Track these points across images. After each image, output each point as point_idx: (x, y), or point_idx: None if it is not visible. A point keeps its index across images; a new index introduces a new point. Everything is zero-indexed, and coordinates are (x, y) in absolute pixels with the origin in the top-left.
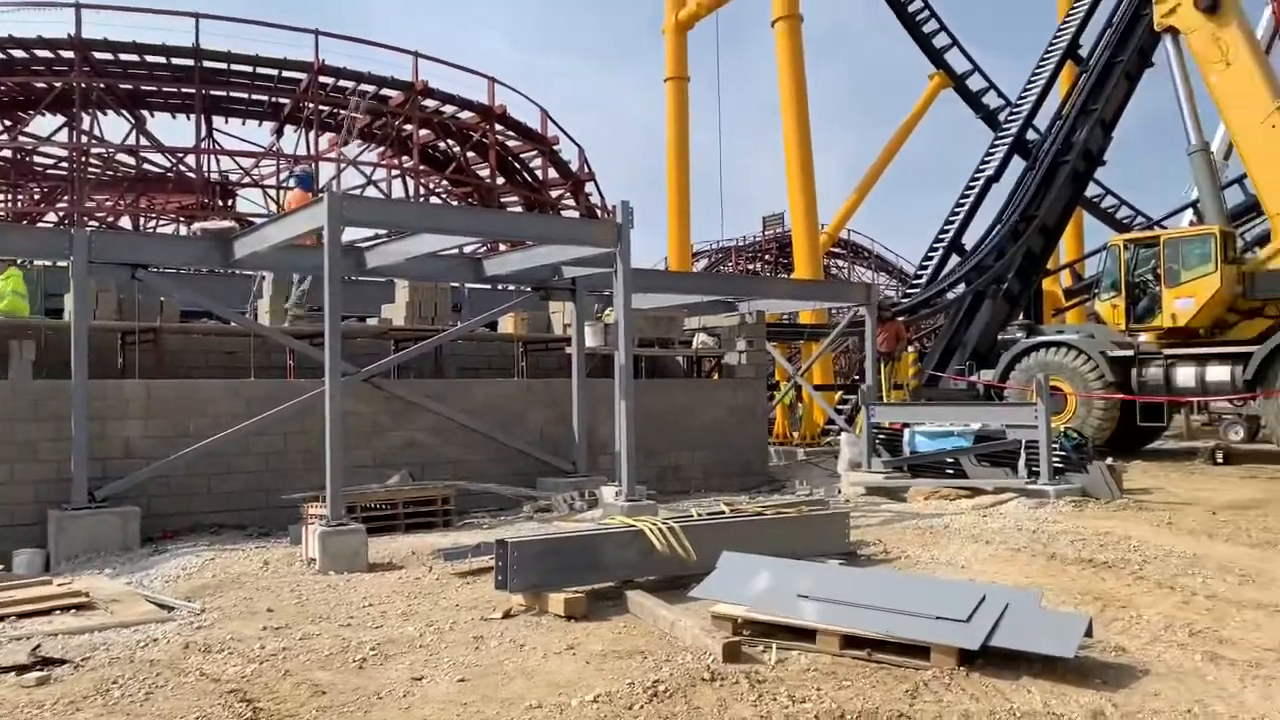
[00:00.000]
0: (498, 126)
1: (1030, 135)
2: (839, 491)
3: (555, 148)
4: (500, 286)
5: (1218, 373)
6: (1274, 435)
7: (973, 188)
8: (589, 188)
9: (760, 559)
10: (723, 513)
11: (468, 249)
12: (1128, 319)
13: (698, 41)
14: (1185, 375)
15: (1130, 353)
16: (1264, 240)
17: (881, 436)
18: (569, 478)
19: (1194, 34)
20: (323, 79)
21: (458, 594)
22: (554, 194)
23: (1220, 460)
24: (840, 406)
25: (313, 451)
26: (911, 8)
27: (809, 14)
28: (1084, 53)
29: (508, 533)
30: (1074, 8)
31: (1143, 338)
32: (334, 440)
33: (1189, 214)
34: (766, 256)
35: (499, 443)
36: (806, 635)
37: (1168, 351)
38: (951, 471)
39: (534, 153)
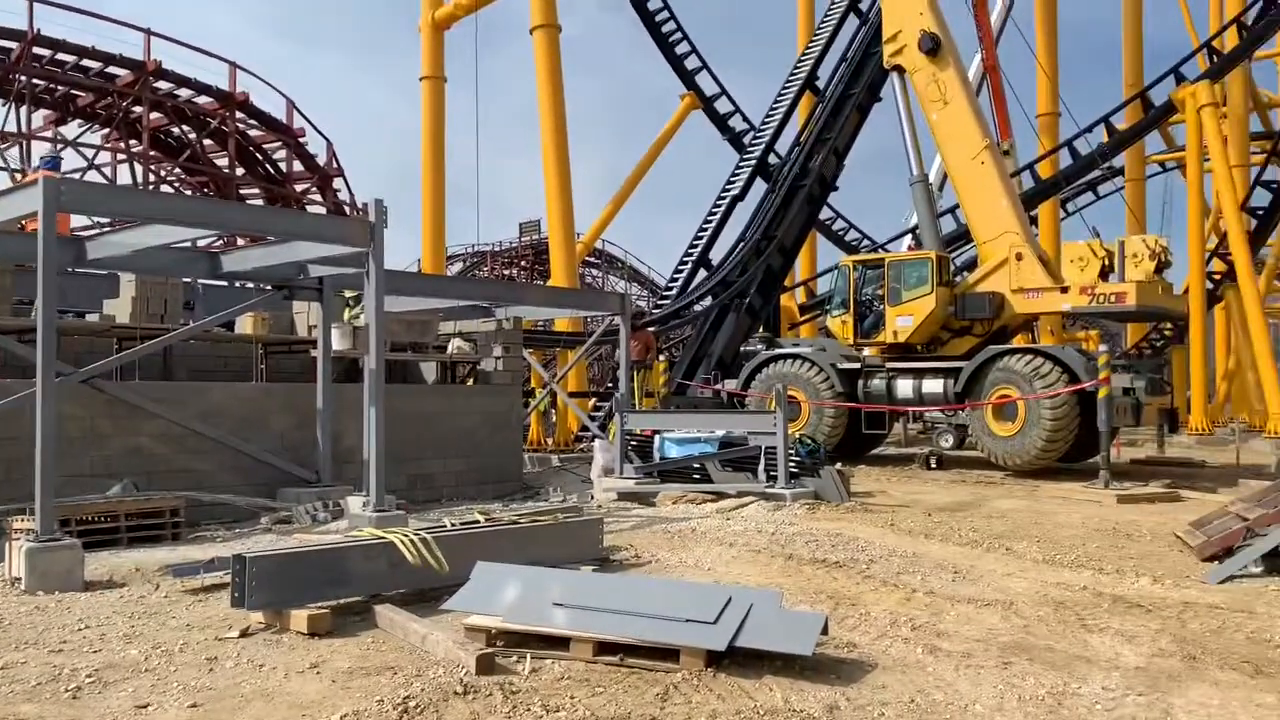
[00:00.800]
0: (239, 114)
1: (772, 159)
2: (592, 498)
3: (301, 140)
4: (239, 284)
5: (932, 385)
6: (979, 442)
7: (719, 206)
8: (338, 184)
9: (514, 568)
10: (477, 522)
11: (202, 243)
12: (855, 334)
13: (457, 41)
14: (904, 387)
15: (857, 365)
16: (972, 265)
17: (634, 443)
18: (313, 488)
19: (917, 73)
20: (38, 50)
21: (189, 613)
22: (299, 189)
23: (933, 465)
24: (594, 414)
25: (20, 460)
26: (665, 28)
27: (570, 25)
28: (821, 85)
29: (244, 546)
30: (812, 42)
31: (867, 352)
32: (45, 447)
33: (909, 239)
34: (523, 263)
35: (235, 450)
36: (561, 644)
37: (890, 365)
38: (698, 476)
39: (278, 144)
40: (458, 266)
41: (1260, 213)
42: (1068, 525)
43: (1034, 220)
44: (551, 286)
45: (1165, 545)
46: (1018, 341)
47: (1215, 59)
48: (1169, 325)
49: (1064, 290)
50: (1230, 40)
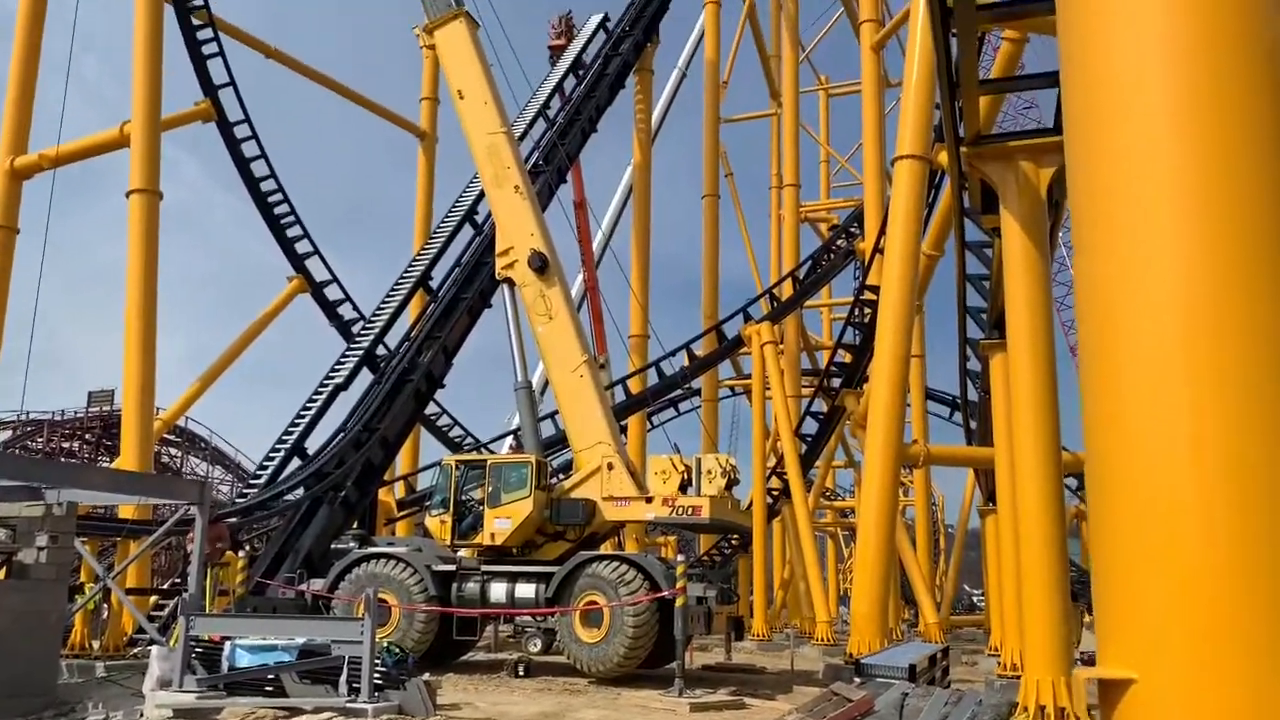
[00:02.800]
0: None
1: (380, 351)
2: (142, 715)
3: None
4: None
5: (525, 589)
6: (565, 649)
7: (320, 393)
8: None
9: None
10: None
11: None
12: (453, 535)
13: (39, 190)
14: (498, 591)
15: (453, 568)
16: (568, 468)
17: (199, 650)
18: None
19: (526, 288)
20: None
21: None
22: None
23: (522, 673)
24: (155, 613)
25: None
26: (278, 210)
27: (174, 190)
28: (435, 284)
29: None
30: (429, 243)
31: (464, 553)
32: None
33: (511, 439)
34: (88, 436)
35: None
36: None
37: (485, 568)
38: (272, 689)
39: None
40: (6, 435)
41: (809, 439)
42: None
43: (624, 430)
44: (120, 469)
45: None
46: (606, 548)
47: (775, 304)
48: (736, 536)
49: (649, 500)
50: (787, 290)
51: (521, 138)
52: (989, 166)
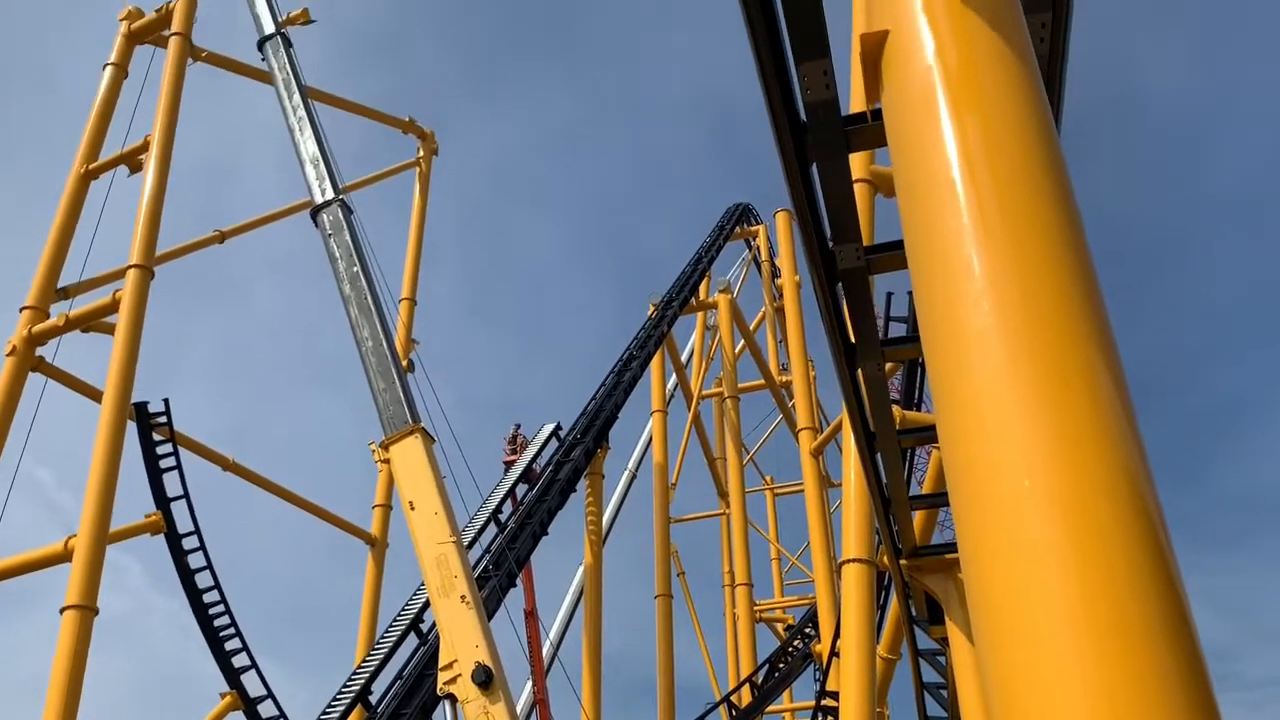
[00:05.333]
0: None
1: None
2: None
3: None
4: None
5: None
6: None
7: None
8: None
9: None
10: None
11: None
12: None
13: None
14: None
15: None
16: None
17: None
18: None
19: (469, 704)
20: None
21: None
22: None
23: None
24: None
25: None
26: (218, 623)
27: (112, 594)
28: (374, 698)
29: None
30: (371, 654)
31: None
32: None
33: None
34: None
35: None
36: None
37: None
38: None
39: None
40: None
41: None
42: None
43: None
44: None
45: None
46: None
47: (735, 712)
48: None
49: None
50: (746, 697)
51: (471, 544)
52: (929, 578)
